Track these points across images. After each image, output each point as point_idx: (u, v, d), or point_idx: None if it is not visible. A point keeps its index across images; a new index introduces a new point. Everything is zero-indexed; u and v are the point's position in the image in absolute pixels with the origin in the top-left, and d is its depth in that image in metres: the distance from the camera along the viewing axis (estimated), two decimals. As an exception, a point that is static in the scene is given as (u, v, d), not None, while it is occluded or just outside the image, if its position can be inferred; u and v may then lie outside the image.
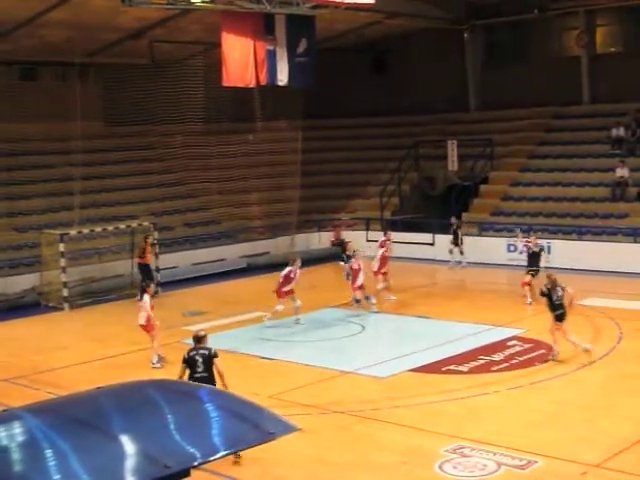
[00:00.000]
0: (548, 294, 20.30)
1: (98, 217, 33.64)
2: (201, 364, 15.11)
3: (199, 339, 15.56)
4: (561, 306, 20.17)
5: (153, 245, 30.35)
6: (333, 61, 39.91)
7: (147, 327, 21.19)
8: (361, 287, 25.77)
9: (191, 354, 15.28)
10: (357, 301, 25.87)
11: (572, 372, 19.07)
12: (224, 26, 29.84)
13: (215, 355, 15.21)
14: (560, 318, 20.13)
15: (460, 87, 42.48)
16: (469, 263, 33.02)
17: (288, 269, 24.72)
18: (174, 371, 15.81)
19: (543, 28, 40.65)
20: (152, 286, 22.70)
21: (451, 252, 33.49)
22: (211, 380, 14.87)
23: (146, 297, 21.29)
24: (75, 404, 7.86)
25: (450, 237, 33.72)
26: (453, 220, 34.32)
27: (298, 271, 24.93)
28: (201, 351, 15.29)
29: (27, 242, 31.77)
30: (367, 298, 25.85)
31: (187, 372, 15.17)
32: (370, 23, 38.42)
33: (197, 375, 14.98)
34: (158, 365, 20.67)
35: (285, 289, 24.57)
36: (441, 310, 26.05)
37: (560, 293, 20.24)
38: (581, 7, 38.70)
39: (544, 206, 35.56)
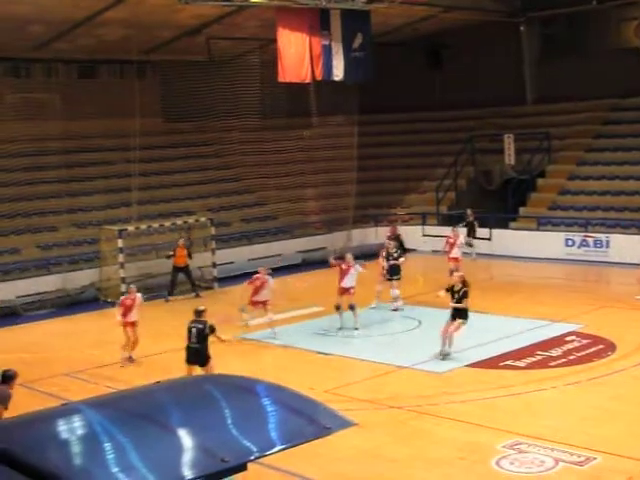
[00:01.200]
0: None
1: (156, 213, 33.97)
2: (194, 336, 17.66)
3: (198, 313, 18.11)
4: None
5: (185, 247, 30.07)
6: (388, 56, 39.82)
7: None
8: (346, 291, 23.75)
9: (189, 325, 17.89)
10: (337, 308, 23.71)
11: (631, 368, 18.87)
12: (280, 22, 29.96)
13: (212, 330, 17.76)
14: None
15: (516, 80, 42.11)
16: (478, 255, 33.45)
17: (254, 276, 23.37)
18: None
19: (601, 19, 40.11)
20: (132, 286, 22.80)
21: (471, 245, 33.51)
22: (202, 351, 17.60)
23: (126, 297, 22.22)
24: (133, 398, 7.94)
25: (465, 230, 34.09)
26: (469, 212, 34.59)
27: (270, 280, 23.31)
28: (197, 325, 17.77)
29: (86, 238, 32.12)
30: (351, 308, 23.65)
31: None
32: (425, 17, 38.29)
33: (191, 345, 17.75)
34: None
35: (255, 299, 23.09)
36: (498, 305, 25.88)
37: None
38: (640, -3, 38.22)
39: (602, 200, 35.20)
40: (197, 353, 17.64)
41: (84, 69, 38.42)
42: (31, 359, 21.74)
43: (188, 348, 17.80)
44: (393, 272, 26.05)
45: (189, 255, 29.81)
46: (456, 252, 28.64)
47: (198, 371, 17.54)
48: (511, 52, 41.92)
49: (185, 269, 29.76)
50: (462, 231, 31.23)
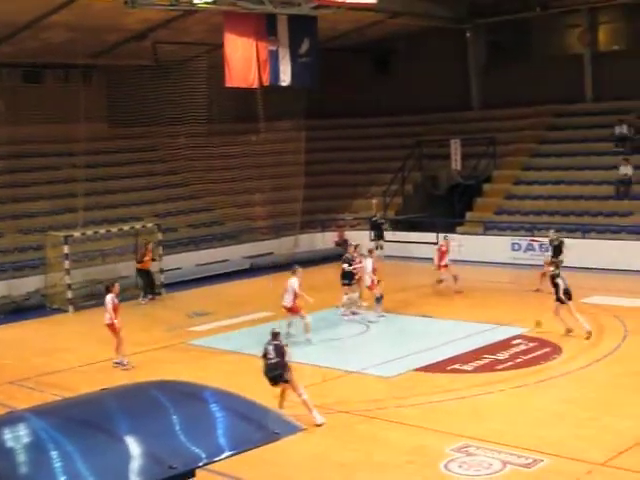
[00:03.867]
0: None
1: (102, 219, 33.75)
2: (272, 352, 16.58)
3: (274, 335, 16.95)
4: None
5: (152, 251, 30.25)
6: (336, 61, 39.93)
7: (111, 327, 21.33)
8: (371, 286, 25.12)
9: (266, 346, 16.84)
10: (378, 300, 25.14)
11: (577, 370, 19.06)
12: (227, 27, 29.87)
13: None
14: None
15: (463, 86, 42.49)
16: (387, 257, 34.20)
17: (296, 280, 22.79)
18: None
19: (545, 26, 40.61)
20: (117, 285, 22.25)
21: (381, 247, 34.27)
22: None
23: (108, 297, 21.39)
24: (80, 406, 7.88)
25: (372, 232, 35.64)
26: (377, 215, 35.93)
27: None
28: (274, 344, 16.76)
29: (32, 244, 31.81)
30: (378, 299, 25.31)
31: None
32: (372, 23, 38.44)
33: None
34: (128, 367, 20.91)
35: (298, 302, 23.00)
36: (445, 309, 26.05)
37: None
38: (584, 4, 38.64)
39: (547, 204, 35.55)
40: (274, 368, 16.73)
41: (29, 73, 38.03)
42: (-25, 367, 21.47)
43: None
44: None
45: (153, 259, 30.05)
46: (447, 260, 28.88)
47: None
48: (457, 58, 42.27)
49: (148, 272, 29.78)
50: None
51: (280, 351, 16.59)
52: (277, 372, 16.50)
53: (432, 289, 28.79)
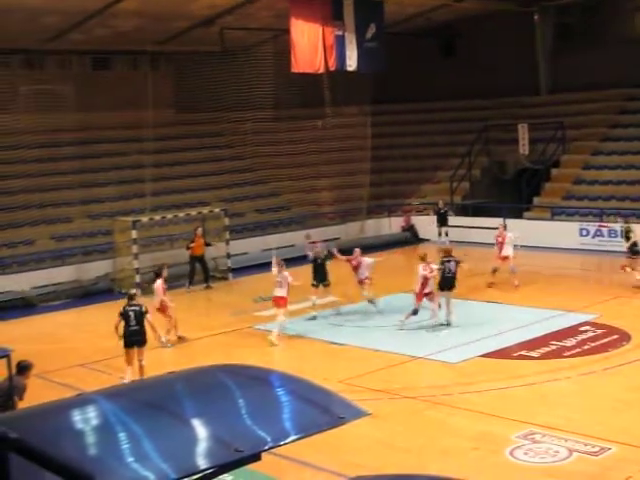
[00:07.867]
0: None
1: (169, 204, 34.03)
2: (133, 319, 18.52)
3: (130, 297, 19.05)
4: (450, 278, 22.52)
5: (203, 236, 30.18)
6: (402, 45, 39.74)
7: (161, 309, 21.98)
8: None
9: (125, 309, 18.66)
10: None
11: (646, 357, 18.83)
12: (293, 12, 29.96)
13: (146, 311, 18.77)
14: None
15: (531, 70, 41.97)
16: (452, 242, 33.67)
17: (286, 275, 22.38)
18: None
19: (615, 8, 39.94)
20: (165, 271, 23.03)
21: (440, 235, 34.67)
22: (142, 332, 18.60)
23: (158, 281, 22.25)
24: (147, 388, 7.96)
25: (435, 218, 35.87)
26: (440, 203, 35.90)
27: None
28: (133, 307, 18.65)
29: (100, 229, 32.23)
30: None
31: (122, 324, 18.54)
32: (438, 6, 38.18)
33: (131, 328, 18.51)
34: (169, 345, 21.62)
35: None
36: (512, 295, 25.84)
37: (453, 265, 22.44)
38: (655, -15, 38.02)
39: (617, 189, 35.08)
40: (139, 335, 18.60)
41: (98, 60, 38.50)
42: (46, 350, 21.79)
43: (129, 332, 18.53)
44: None
45: (207, 244, 29.90)
46: (507, 250, 27.36)
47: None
48: (525, 41, 41.74)
49: (201, 259, 29.74)
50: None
51: (140, 318, 18.52)
52: (136, 338, 18.52)
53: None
